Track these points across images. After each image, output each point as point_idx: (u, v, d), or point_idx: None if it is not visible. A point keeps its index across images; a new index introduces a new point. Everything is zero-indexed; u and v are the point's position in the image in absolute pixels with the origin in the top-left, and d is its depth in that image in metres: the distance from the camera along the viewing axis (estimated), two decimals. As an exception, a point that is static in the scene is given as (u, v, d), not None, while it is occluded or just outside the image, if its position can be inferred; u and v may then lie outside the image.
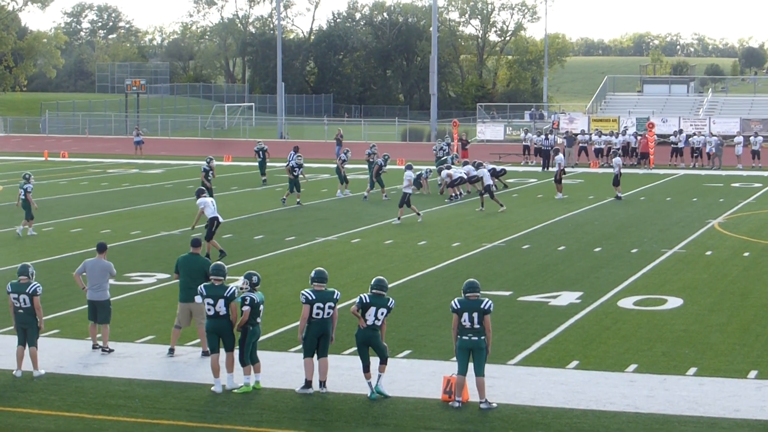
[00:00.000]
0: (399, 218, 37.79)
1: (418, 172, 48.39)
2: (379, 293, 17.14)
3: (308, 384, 17.31)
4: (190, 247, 20.17)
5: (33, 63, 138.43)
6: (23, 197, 34.73)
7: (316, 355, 17.37)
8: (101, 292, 19.94)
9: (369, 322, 17.04)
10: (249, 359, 17.47)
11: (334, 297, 17.35)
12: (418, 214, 37.94)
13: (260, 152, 54.30)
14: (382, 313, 17.08)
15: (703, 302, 24.35)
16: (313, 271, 17.62)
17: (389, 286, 17.21)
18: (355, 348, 17.49)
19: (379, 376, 17.18)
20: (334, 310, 17.35)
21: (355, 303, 17.28)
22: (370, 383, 17.08)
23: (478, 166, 44.24)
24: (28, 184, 35.14)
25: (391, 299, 17.30)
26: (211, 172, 41.60)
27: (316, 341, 17.30)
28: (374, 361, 17.19)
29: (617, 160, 46.12)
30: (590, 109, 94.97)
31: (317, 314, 17.19)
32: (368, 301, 17.06)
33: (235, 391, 17.38)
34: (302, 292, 17.41)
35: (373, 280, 17.43)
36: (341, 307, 17.36)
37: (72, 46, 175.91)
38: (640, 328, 21.73)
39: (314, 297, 17.20)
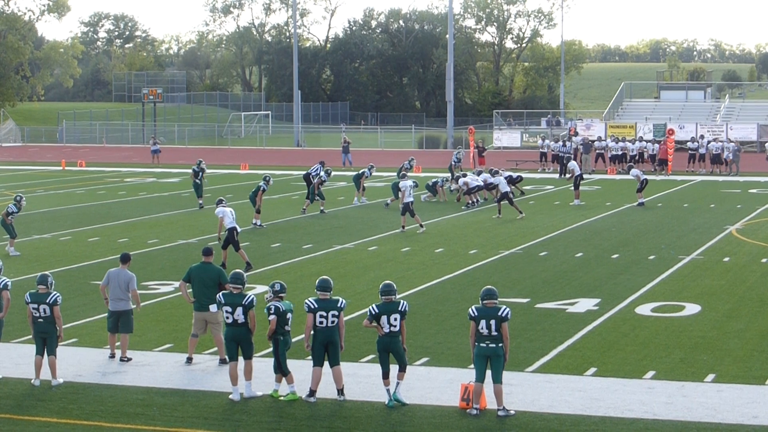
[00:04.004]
0: (403, 227, 37.65)
1: (433, 180, 48.52)
2: (388, 299, 17.15)
3: (312, 393, 17.33)
4: (203, 256, 20.17)
5: (50, 73, 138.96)
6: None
7: (327, 364, 17.37)
8: (124, 302, 19.96)
9: (386, 330, 17.06)
10: (287, 368, 17.48)
11: (339, 305, 17.33)
12: (421, 225, 37.57)
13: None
14: (395, 319, 17.07)
15: (721, 308, 24.30)
16: (317, 280, 17.65)
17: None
18: (373, 355, 17.50)
19: (398, 383, 17.18)
20: (339, 319, 17.35)
21: (366, 317, 17.33)
22: (388, 390, 17.08)
23: (494, 174, 44.26)
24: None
25: (403, 302, 17.27)
26: (201, 173, 46.59)
27: (324, 350, 17.29)
28: (393, 368, 17.20)
29: (635, 171, 46.10)
30: (607, 116, 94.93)
31: (321, 323, 17.21)
32: (377, 311, 17.09)
33: (282, 398, 17.38)
34: (305, 301, 17.45)
35: (381, 285, 17.45)
36: (356, 316, 17.33)
37: (89, 55, 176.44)
38: (658, 335, 21.69)
39: (316, 306, 17.22)
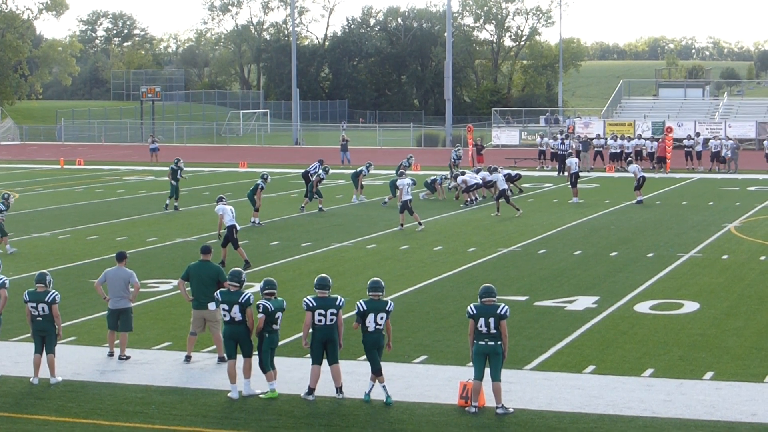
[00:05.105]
0: (402, 225, 37.66)
1: (432, 178, 48.50)
2: (376, 295, 17.19)
3: (311, 391, 17.34)
4: (201, 254, 20.17)
5: (48, 71, 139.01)
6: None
7: (326, 362, 17.38)
8: (124, 300, 19.96)
9: (371, 329, 17.10)
10: (269, 366, 17.47)
11: (337, 303, 17.32)
12: (420, 223, 37.59)
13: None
14: (382, 318, 17.12)
15: (719, 306, 24.30)
16: (316, 278, 17.65)
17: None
18: (371, 354, 17.49)
19: (372, 385, 17.21)
20: (338, 317, 17.34)
21: (354, 317, 17.33)
22: (384, 387, 17.09)
23: (492, 171, 44.24)
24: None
25: (389, 302, 17.35)
26: (179, 171, 44.72)
27: (323, 348, 17.29)
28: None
29: (633, 167, 46.05)
30: (605, 114, 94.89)
31: (319, 321, 17.20)
32: (365, 308, 17.14)
33: (261, 396, 17.40)
34: (304, 299, 17.44)
35: (369, 282, 17.48)
36: (354, 314, 17.32)
37: (87, 54, 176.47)
38: (657, 333, 21.69)
39: (315, 304, 17.22)
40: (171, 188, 44.53)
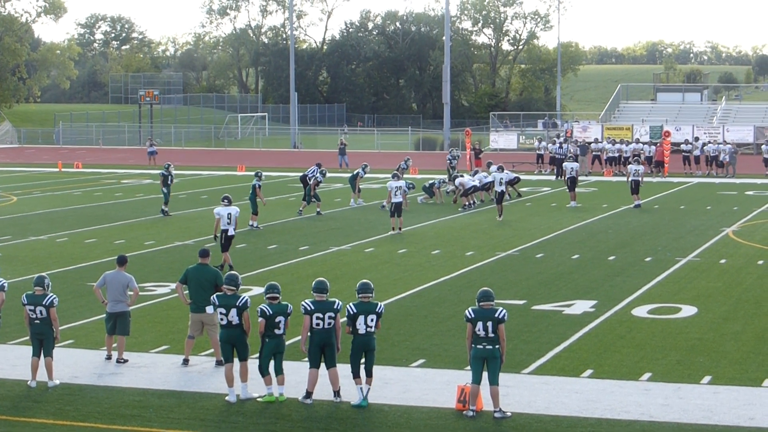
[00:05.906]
0: (400, 228, 37.68)
1: (430, 181, 48.51)
2: (365, 297, 17.21)
3: (308, 395, 17.33)
4: (199, 257, 20.16)
5: (47, 74, 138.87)
6: None
7: (324, 366, 17.37)
8: (121, 304, 19.95)
9: (361, 332, 17.11)
10: (267, 370, 17.43)
11: (335, 307, 17.31)
12: (393, 228, 37.75)
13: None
14: (372, 320, 17.14)
15: (717, 310, 24.30)
16: (314, 282, 17.64)
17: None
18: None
19: (369, 389, 17.20)
20: (335, 320, 17.34)
21: (345, 321, 17.33)
22: (361, 389, 17.09)
23: (497, 170, 43.45)
24: None
25: (380, 304, 17.37)
26: (170, 177, 43.80)
27: (320, 351, 17.28)
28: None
29: (632, 167, 46.00)
30: (603, 118, 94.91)
31: (317, 324, 17.19)
32: (354, 311, 17.14)
33: (259, 399, 17.41)
34: (302, 302, 17.43)
35: (358, 284, 17.48)
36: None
37: (85, 57, 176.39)
38: (655, 337, 21.69)
39: (313, 307, 17.21)
40: (164, 195, 43.65)
